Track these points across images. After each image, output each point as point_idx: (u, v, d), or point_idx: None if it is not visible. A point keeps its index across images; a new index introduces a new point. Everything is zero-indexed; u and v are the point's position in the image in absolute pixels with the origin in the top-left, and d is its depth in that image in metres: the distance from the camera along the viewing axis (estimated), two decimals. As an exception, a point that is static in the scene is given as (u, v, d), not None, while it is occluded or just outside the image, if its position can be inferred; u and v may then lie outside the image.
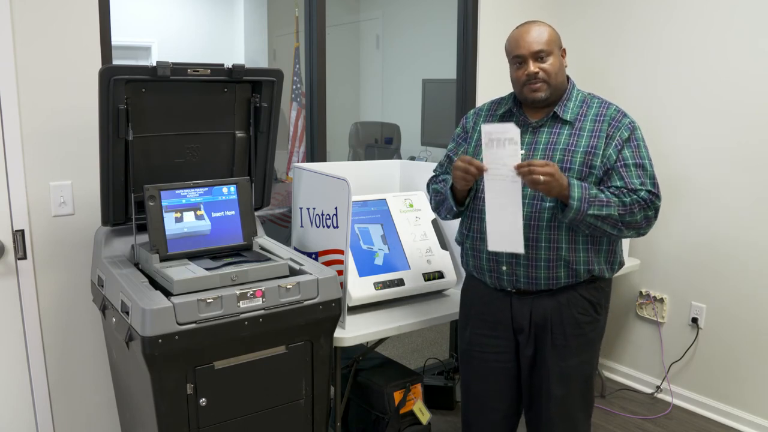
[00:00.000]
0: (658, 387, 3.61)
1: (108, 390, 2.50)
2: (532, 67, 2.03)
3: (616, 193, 1.98)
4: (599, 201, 1.94)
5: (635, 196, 1.97)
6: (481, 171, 1.95)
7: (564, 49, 2.11)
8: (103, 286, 2.12)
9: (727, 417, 3.33)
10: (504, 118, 2.18)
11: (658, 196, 2.01)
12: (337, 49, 5.69)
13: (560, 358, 2.11)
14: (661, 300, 3.56)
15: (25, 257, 2.33)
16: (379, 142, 5.82)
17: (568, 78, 2.15)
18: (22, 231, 2.32)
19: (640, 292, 3.66)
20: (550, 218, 2.03)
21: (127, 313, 1.87)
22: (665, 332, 3.57)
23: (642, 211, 1.98)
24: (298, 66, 4.60)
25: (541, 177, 1.87)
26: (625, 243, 3.47)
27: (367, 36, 6.30)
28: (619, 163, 2.01)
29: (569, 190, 1.92)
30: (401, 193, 2.87)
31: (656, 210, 2.02)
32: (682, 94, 3.37)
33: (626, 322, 3.77)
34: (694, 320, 3.41)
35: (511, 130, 1.90)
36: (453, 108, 3.76)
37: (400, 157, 5.44)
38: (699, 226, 3.36)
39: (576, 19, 3.80)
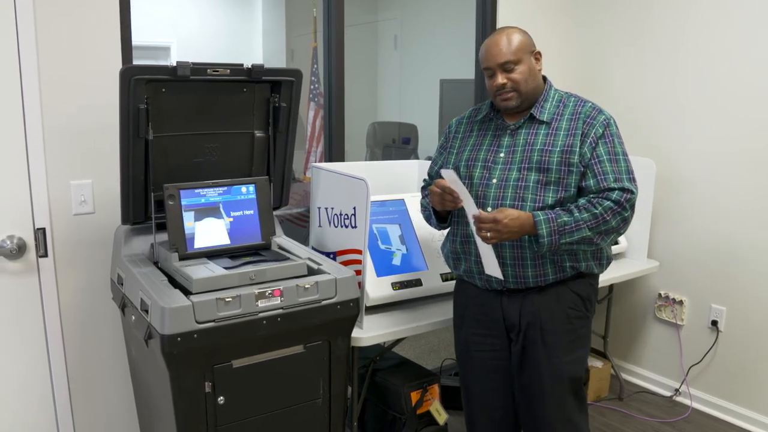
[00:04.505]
0: (676, 390, 3.58)
1: (127, 387, 2.52)
2: (500, 78, 2.09)
3: (587, 205, 2.00)
4: (569, 228, 1.98)
5: (607, 202, 1.99)
6: (456, 201, 2.04)
7: (538, 52, 2.15)
8: (122, 284, 2.14)
9: (748, 421, 3.29)
10: (483, 123, 2.25)
11: (632, 192, 2.02)
12: (355, 50, 5.69)
13: (551, 355, 2.13)
14: (680, 302, 3.52)
15: (45, 255, 2.36)
16: (397, 142, 5.82)
17: (545, 78, 2.19)
18: (43, 229, 2.34)
19: (659, 294, 3.63)
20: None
21: (147, 311, 1.89)
22: (684, 335, 3.54)
23: (616, 215, 2.00)
24: (315, 66, 4.61)
25: (488, 234, 1.96)
26: (643, 245, 3.44)
27: (385, 36, 6.30)
28: (593, 161, 2.04)
29: (536, 227, 1.98)
30: (419, 193, 2.85)
31: (632, 206, 2.04)
32: (699, 95, 3.33)
33: (645, 324, 3.74)
34: (714, 323, 3.37)
35: (449, 175, 2.03)
36: (471, 108, 3.74)
37: (417, 158, 5.44)
38: (718, 228, 3.32)
39: (593, 19, 3.77)
